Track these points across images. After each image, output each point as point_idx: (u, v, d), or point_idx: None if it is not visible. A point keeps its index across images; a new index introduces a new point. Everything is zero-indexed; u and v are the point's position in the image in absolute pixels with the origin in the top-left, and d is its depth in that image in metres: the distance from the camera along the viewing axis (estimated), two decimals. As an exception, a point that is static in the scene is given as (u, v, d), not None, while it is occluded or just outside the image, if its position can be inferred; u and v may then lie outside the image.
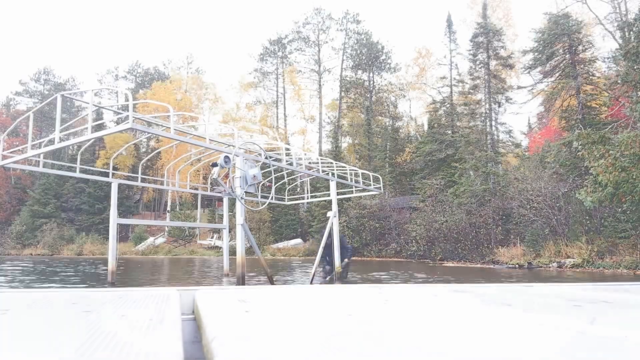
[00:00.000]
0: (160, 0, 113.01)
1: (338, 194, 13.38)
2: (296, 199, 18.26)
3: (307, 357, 0.75)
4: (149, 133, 8.97)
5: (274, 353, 0.77)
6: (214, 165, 8.97)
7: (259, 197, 11.54)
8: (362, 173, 14.26)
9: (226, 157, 8.83)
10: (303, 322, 1.08)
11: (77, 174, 11.54)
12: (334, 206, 12.48)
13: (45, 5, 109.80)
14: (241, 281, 9.15)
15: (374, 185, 14.59)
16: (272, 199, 12.37)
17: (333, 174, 13.08)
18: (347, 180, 13.60)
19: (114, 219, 10.20)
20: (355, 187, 14.25)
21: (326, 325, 1.04)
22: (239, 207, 9.18)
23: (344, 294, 1.77)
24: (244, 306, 1.32)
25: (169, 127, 8.08)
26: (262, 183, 9.89)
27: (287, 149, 12.34)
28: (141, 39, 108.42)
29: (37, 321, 1.07)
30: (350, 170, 13.54)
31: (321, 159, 13.22)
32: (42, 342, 0.84)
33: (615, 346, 0.87)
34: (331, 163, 13.32)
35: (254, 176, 9.39)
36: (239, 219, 9.17)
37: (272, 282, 10.39)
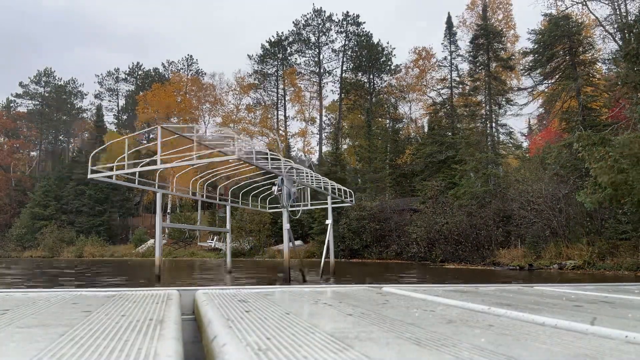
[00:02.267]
0: (161, 2, 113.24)
1: (332, 203, 16.45)
2: (297, 206, 20.59)
3: (308, 356, 0.75)
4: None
5: (274, 353, 0.77)
6: (274, 185, 12.22)
7: (287, 206, 14.03)
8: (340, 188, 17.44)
9: (281, 179, 11.76)
10: (303, 322, 1.08)
11: (136, 185, 13.04)
12: (330, 215, 15.61)
13: (46, 5, 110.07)
14: (288, 279, 11.79)
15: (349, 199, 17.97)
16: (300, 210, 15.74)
17: (329, 188, 15.92)
18: (336, 194, 16.75)
19: (159, 223, 12.27)
20: (335, 198, 16.92)
21: (326, 325, 1.04)
22: (285, 216, 11.69)
23: (344, 293, 1.77)
24: (244, 306, 1.32)
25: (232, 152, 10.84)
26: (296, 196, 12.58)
27: (300, 169, 15.07)
28: (141, 41, 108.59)
29: (37, 322, 1.07)
30: (331, 184, 16.49)
31: (318, 175, 16.09)
32: (42, 343, 0.84)
33: (616, 346, 0.87)
34: (327, 182, 16.24)
35: (294, 192, 12.16)
36: (285, 224, 11.65)
37: (304, 278, 12.46)
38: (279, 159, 12.75)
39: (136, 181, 12.56)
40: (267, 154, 13.81)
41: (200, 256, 37.43)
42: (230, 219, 15.60)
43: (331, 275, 14.52)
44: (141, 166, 11.56)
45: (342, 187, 17.55)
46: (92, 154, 11.56)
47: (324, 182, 15.78)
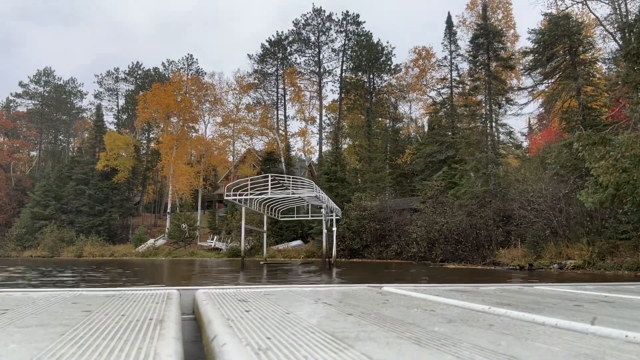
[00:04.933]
0: (161, 1, 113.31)
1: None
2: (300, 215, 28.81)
3: (308, 356, 0.75)
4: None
5: (274, 352, 0.77)
6: (321, 208, 20.49)
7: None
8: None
9: (325, 205, 19.78)
10: (303, 321, 1.08)
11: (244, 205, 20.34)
12: (324, 224, 21.16)
13: (46, 6, 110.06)
14: (327, 265, 19.45)
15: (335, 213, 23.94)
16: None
17: (328, 206, 21.65)
18: (329, 207, 22.29)
19: (244, 228, 20.30)
20: (327, 212, 22.19)
21: (326, 325, 1.04)
22: (324, 222, 20.15)
23: (344, 293, 1.77)
24: (244, 306, 1.32)
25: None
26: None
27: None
28: (142, 41, 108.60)
29: (37, 322, 1.07)
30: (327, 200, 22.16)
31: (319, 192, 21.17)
32: (42, 342, 0.84)
33: (616, 346, 0.87)
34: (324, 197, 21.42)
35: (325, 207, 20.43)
36: (324, 229, 20.32)
37: (329, 266, 19.67)
38: (322, 194, 19.56)
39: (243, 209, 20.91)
40: (318, 192, 19.26)
41: (201, 256, 37.38)
42: (266, 221, 23.75)
43: (333, 267, 20.00)
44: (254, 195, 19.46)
45: (335, 206, 23.57)
46: (227, 185, 18.87)
47: (323, 199, 21.25)
